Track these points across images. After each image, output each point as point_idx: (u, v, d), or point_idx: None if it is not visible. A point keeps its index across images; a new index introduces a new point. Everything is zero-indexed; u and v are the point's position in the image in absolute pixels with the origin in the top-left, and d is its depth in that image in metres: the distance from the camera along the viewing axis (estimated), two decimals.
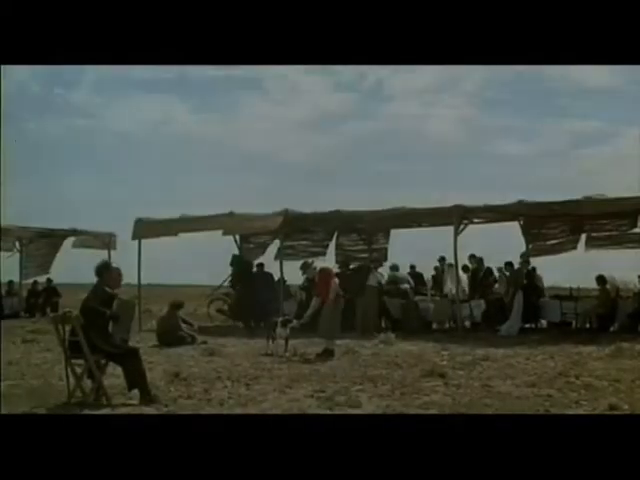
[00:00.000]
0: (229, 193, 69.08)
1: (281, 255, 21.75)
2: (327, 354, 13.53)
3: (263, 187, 77.31)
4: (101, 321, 8.97)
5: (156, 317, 19.03)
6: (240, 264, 21.87)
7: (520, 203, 18.09)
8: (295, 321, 14.58)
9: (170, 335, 15.97)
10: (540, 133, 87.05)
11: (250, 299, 20.48)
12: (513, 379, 10.68)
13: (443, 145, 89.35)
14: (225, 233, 21.71)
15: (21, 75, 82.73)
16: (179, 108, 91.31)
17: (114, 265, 9.63)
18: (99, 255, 22.83)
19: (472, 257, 20.80)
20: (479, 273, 20.66)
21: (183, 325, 16.55)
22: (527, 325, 19.40)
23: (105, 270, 9.36)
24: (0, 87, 8.78)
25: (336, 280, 14.22)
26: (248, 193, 76.84)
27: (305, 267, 15.23)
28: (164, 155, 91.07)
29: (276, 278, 21.37)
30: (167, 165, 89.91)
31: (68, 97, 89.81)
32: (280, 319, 14.54)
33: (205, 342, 15.85)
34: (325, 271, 14.59)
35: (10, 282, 27.67)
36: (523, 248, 21.60)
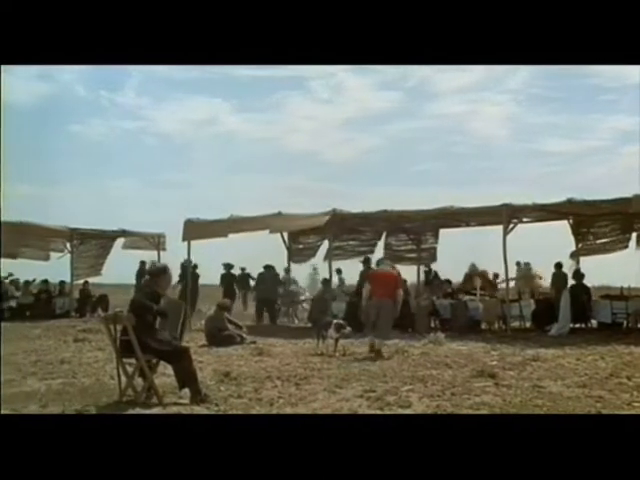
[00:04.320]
0: (275, 193, 69.32)
1: (330, 256, 21.86)
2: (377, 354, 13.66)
3: (309, 187, 77.41)
4: (151, 318, 9.08)
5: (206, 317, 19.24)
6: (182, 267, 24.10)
7: (569, 201, 17.87)
8: (349, 328, 14.62)
9: (217, 335, 16.13)
10: (586, 130, 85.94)
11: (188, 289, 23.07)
12: (564, 380, 10.56)
13: (489, 143, 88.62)
14: (272, 231, 21.86)
15: (67, 77, 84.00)
16: (223, 108, 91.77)
17: (169, 268, 9.76)
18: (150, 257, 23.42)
19: None
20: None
21: (230, 326, 16.69)
22: (577, 325, 19.20)
23: (162, 273, 9.49)
24: (0, 87, 8.88)
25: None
26: (294, 193, 77.08)
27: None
28: (210, 156, 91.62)
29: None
30: (213, 165, 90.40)
31: (113, 99, 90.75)
32: (334, 321, 14.65)
33: (254, 342, 15.99)
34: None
35: (61, 282, 28.09)
36: (572, 247, 21.49)
